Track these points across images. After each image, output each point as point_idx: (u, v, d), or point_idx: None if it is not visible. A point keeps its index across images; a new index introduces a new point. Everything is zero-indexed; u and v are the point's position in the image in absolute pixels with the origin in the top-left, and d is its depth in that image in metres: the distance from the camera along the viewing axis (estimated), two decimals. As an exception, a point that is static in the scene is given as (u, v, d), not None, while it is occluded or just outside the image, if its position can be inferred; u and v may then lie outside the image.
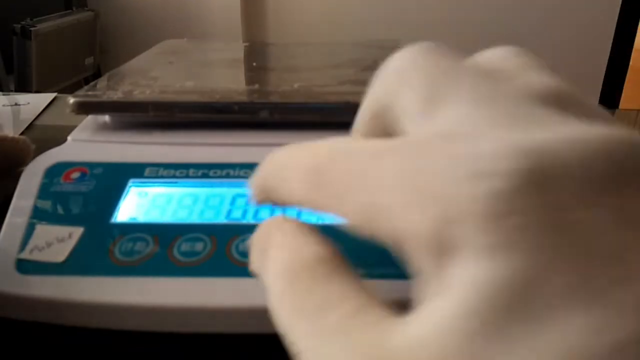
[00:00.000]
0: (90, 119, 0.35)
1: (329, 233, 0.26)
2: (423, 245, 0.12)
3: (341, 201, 0.15)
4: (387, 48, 0.50)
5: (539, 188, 0.11)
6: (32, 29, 1.68)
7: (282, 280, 0.15)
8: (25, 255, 0.26)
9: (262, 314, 0.24)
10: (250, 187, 0.18)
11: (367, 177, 0.13)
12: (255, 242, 0.17)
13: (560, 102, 0.14)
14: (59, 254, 0.25)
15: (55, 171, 0.29)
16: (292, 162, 0.16)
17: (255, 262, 0.16)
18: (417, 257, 0.12)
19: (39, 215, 0.27)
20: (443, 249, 0.11)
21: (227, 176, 0.29)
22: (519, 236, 0.11)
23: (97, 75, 2.03)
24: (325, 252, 0.15)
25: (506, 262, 0.11)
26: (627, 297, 0.10)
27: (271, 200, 0.17)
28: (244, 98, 0.35)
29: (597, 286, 0.11)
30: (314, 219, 0.27)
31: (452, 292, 0.11)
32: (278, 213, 0.27)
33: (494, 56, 0.17)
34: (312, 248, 0.15)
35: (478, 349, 0.10)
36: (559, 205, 0.11)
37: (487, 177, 0.11)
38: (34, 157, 0.31)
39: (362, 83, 0.37)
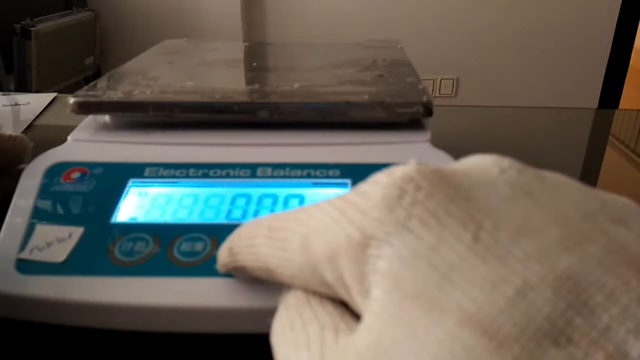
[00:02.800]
0: (90, 119, 0.35)
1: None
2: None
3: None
4: (387, 48, 0.50)
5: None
6: (32, 29, 1.67)
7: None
8: (25, 255, 0.26)
9: (262, 314, 0.24)
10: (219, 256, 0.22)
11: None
12: None
13: None
14: (59, 254, 0.25)
15: (55, 171, 0.29)
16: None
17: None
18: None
19: (39, 215, 0.27)
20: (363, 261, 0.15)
21: (227, 176, 0.29)
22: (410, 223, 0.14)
23: (97, 75, 2.03)
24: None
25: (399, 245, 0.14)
26: (522, 249, 0.12)
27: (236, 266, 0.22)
28: (244, 98, 0.35)
29: (490, 243, 0.12)
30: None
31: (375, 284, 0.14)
32: (278, 214, 0.27)
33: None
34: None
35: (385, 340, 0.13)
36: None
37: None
38: (33, 157, 0.31)
39: (362, 83, 0.37)
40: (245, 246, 0.20)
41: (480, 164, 0.15)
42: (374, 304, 0.13)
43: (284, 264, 0.18)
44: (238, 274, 0.22)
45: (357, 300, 0.15)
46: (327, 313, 0.17)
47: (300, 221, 0.18)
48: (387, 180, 0.15)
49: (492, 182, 0.14)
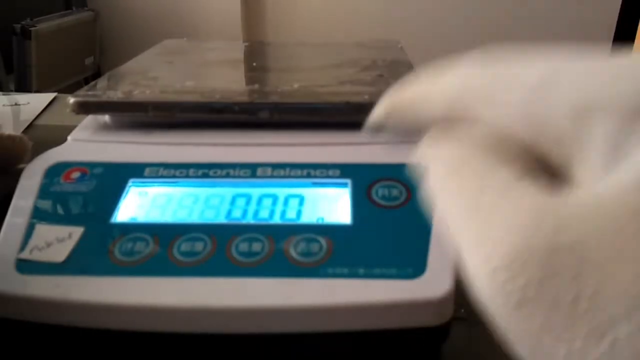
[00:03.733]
0: (90, 119, 0.35)
1: (335, 232, 0.26)
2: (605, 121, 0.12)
3: (501, 89, 0.14)
4: (387, 48, 0.50)
5: None
6: (32, 29, 1.67)
7: (450, 163, 0.14)
8: (25, 255, 0.26)
9: (262, 314, 0.24)
10: (377, 116, 0.18)
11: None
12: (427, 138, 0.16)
13: None
14: (59, 254, 0.25)
15: (55, 171, 0.29)
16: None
17: (422, 149, 0.16)
18: (589, 141, 0.12)
19: (39, 215, 0.27)
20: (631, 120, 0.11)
21: (227, 176, 0.29)
22: None
23: (97, 75, 2.03)
24: (492, 143, 0.15)
25: None
26: None
27: (406, 121, 0.17)
28: (244, 98, 0.35)
29: None
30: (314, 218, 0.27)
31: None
32: (277, 214, 0.27)
33: None
34: (481, 139, 0.15)
35: None
36: None
37: None
38: (33, 157, 0.31)
39: (362, 83, 0.37)
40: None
41: None
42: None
43: (498, 105, 0.14)
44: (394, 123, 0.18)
45: (588, 164, 0.12)
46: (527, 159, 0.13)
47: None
48: None
49: None
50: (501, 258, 0.11)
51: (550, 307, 0.10)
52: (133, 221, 0.27)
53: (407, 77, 0.18)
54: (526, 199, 0.12)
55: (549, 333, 0.10)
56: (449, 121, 0.15)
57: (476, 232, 0.12)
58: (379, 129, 0.18)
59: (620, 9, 2.04)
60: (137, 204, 0.28)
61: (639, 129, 0.11)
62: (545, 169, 0.13)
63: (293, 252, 0.25)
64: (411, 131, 0.17)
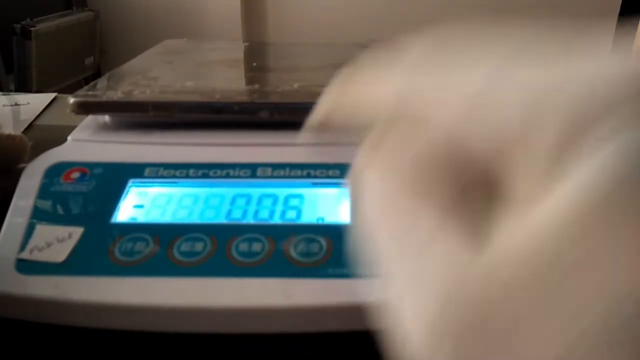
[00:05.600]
0: (90, 119, 0.35)
1: (335, 232, 0.26)
2: (546, 140, 0.11)
3: (445, 94, 0.13)
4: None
5: None
6: (32, 29, 1.67)
7: (393, 177, 0.14)
8: (25, 255, 0.26)
9: (262, 314, 0.24)
10: (314, 120, 0.18)
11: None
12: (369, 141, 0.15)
13: None
14: (59, 254, 0.25)
15: (55, 171, 0.29)
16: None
17: (362, 157, 0.15)
18: (521, 161, 0.12)
19: (39, 215, 0.27)
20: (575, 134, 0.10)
21: (227, 176, 0.29)
22: None
23: (97, 75, 2.02)
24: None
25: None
26: None
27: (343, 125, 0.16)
28: (244, 98, 0.35)
29: None
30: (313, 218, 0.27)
31: (580, 175, 0.10)
32: (277, 214, 0.27)
33: None
34: (419, 152, 0.14)
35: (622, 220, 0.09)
36: None
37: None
38: (33, 157, 0.31)
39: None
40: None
41: None
42: (583, 180, 0.10)
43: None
44: (329, 127, 0.18)
45: (528, 177, 0.11)
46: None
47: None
48: None
49: None
50: (424, 325, 0.11)
51: None
52: (133, 221, 0.27)
53: (353, 64, 0.17)
54: (441, 258, 0.11)
55: None
56: (393, 121, 0.15)
57: (405, 280, 0.12)
58: (322, 129, 0.18)
59: (620, 9, 2.04)
60: (137, 204, 0.28)
61: (581, 140, 0.10)
62: (485, 183, 0.13)
63: (293, 252, 0.25)
64: (355, 131, 0.16)
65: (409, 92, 0.14)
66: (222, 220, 0.27)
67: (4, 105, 0.58)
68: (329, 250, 0.25)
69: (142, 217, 0.27)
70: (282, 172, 0.29)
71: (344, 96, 0.17)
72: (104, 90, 0.36)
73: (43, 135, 0.49)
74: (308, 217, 0.27)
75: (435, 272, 0.11)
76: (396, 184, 0.14)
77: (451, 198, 0.13)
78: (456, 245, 0.12)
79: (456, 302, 0.10)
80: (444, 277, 0.11)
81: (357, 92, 0.16)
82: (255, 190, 0.28)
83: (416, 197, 0.13)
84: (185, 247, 0.26)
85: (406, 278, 0.12)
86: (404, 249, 0.12)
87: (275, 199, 0.28)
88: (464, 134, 0.13)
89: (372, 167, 0.14)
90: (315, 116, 0.18)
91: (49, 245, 0.26)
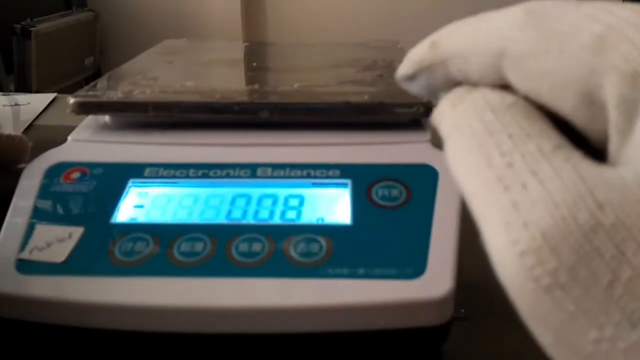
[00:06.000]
0: (90, 119, 0.35)
1: (335, 232, 0.26)
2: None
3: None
4: (387, 48, 0.50)
5: None
6: (32, 29, 1.67)
7: (483, 115, 0.13)
8: (25, 255, 0.26)
9: (262, 314, 0.24)
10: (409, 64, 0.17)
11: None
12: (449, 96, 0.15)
13: None
14: (59, 254, 0.25)
15: (56, 171, 0.29)
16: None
17: (443, 108, 0.15)
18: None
19: (39, 215, 0.27)
20: None
21: (227, 176, 0.29)
22: None
23: (97, 75, 2.02)
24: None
25: None
26: None
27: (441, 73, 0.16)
28: (244, 98, 0.35)
29: None
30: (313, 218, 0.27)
31: None
32: (277, 214, 0.27)
33: None
34: (510, 96, 0.13)
35: None
36: None
37: None
38: (33, 157, 0.31)
39: (362, 83, 0.37)
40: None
41: None
42: None
43: (546, 58, 0.13)
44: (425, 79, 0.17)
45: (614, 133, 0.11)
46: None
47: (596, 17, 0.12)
48: None
49: None
50: (530, 241, 0.10)
51: (582, 292, 0.10)
52: (133, 221, 0.27)
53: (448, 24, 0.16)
54: (564, 171, 0.11)
55: (578, 319, 0.10)
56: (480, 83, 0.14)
57: (503, 209, 0.11)
58: (409, 79, 0.17)
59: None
60: (137, 204, 0.28)
61: None
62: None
63: (293, 252, 0.25)
64: (440, 87, 0.16)
65: (503, 54, 0.13)
66: (222, 220, 0.27)
67: (4, 105, 0.58)
68: (329, 251, 0.25)
69: (142, 217, 0.27)
70: (282, 172, 0.29)
71: (434, 53, 0.16)
72: (104, 90, 0.36)
73: (43, 136, 0.49)
74: (308, 217, 0.27)
75: (561, 181, 0.11)
76: (489, 124, 0.13)
77: (553, 136, 0.12)
78: (577, 161, 0.11)
79: (586, 208, 0.10)
80: (570, 192, 0.10)
81: (447, 50, 0.15)
82: (255, 190, 0.28)
83: (515, 126, 0.12)
84: (185, 247, 0.26)
85: (509, 200, 0.11)
86: (505, 174, 0.11)
87: (275, 199, 0.28)
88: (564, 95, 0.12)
89: (460, 120, 0.14)
90: (404, 67, 0.17)
91: (49, 245, 0.26)
